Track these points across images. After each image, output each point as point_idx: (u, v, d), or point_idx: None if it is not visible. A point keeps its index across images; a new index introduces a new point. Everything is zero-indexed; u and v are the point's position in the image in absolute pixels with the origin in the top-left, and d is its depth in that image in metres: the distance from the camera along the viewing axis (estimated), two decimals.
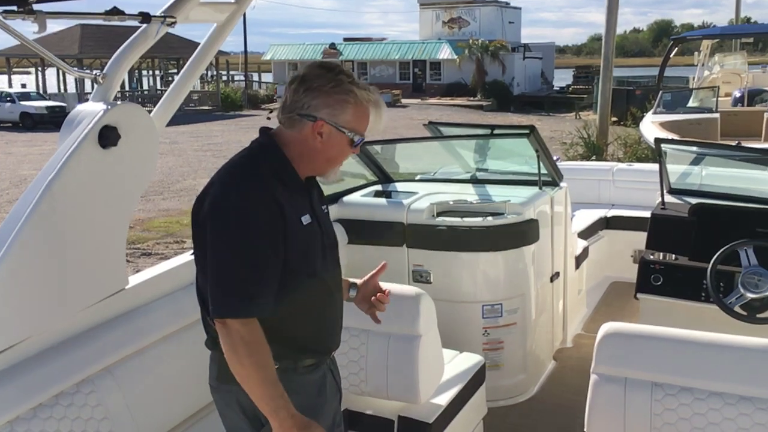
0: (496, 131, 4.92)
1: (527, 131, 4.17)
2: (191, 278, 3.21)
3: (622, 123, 20.10)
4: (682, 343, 2.58)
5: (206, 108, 38.48)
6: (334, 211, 4.22)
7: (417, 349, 2.89)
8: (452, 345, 3.46)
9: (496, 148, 5.18)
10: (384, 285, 2.48)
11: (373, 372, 2.94)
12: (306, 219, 2.07)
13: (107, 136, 2.52)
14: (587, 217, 5.93)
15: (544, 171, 4.46)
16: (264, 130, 2.14)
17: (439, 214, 4.08)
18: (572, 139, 14.95)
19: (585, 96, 33.21)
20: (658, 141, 4.23)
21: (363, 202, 4.31)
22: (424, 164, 5.27)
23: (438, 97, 42.02)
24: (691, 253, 3.75)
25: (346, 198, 4.31)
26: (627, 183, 6.45)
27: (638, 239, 3.99)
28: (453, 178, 4.91)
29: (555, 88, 46.14)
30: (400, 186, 4.63)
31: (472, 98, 39.88)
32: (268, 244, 1.95)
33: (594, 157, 13.75)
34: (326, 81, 2.01)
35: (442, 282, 4.06)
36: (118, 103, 2.62)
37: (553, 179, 4.56)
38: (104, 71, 2.72)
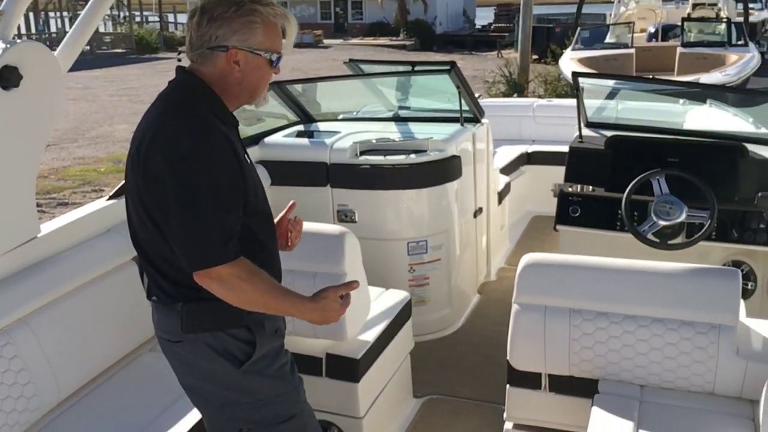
0: (417, 68, 4.88)
1: (448, 67, 4.16)
2: (107, 225, 3.12)
3: (542, 60, 20.31)
4: (597, 271, 2.68)
5: (120, 51, 36.91)
6: (255, 152, 4.15)
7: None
8: (379, 282, 3.49)
9: (417, 85, 5.16)
10: (308, 225, 2.46)
11: None
12: (247, 157, 2.03)
13: (7, 77, 2.39)
14: (509, 153, 6.02)
15: (465, 108, 4.48)
16: (181, 69, 2.02)
17: (362, 153, 4.06)
18: (494, 78, 15.03)
19: (506, 34, 33.30)
20: (576, 75, 4.29)
21: (285, 142, 4.25)
22: (347, 104, 5.20)
23: (360, 37, 41.43)
24: (607, 184, 3.85)
25: (267, 139, 4.24)
26: (547, 119, 6.56)
27: (559, 174, 4.07)
28: (375, 116, 4.88)
29: (477, 26, 46.07)
30: (322, 126, 4.57)
31: (394, 38, 39.47)
32: (230, 186, 1.89)
33: (516, 95, 13.90)
34: (227, 7, 1.92)
35: (366, 220, 4.07)
36: (18, 41, 2.47)
37: (474, 116, 4.58)
38: (1, 7, 2.55)
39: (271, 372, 2.09)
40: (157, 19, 44.73)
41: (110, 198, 3.19)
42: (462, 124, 4.47)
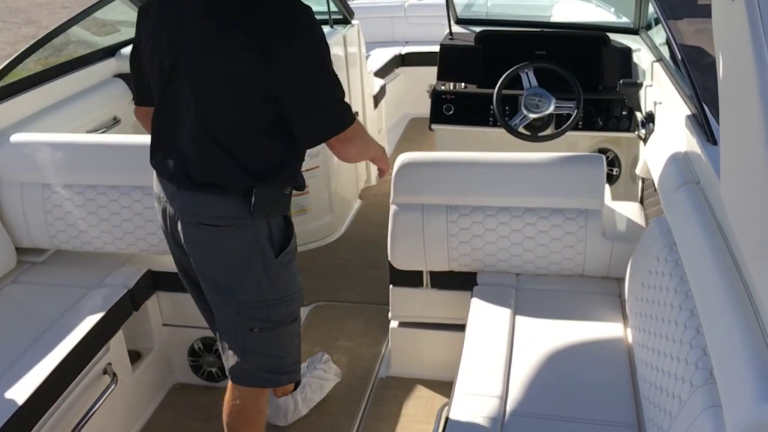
0: None
1: None
2: None
3: None
4: (470, 166, 2.70)
5: None
6: (111, 66, 3.87)
7: None
8: None
9: None
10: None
11: None
12: None
13: None
14: (382, 55, 5.93)
15: (334, 9, 4.33)
16: None
17: None
18: None
19: None
20: None
21: None
22: None
23: None
24: (479, 80, 3.86)
25: (123, 50, 3.95)
26: (420, 18, 6.47)
27: (434, 74, 4.03)
28: None
29: None
30: None
31: None
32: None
33: None
34: None
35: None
36: None
37: (344, 17, 4.44)
38: None
39: (293, 267, 2.21)
40: None
41: None
42: (332, 26, 4.33)
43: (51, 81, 3.45)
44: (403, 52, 6.15)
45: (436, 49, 4.06)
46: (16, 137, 2.91)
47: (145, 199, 2.81)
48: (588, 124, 3.66)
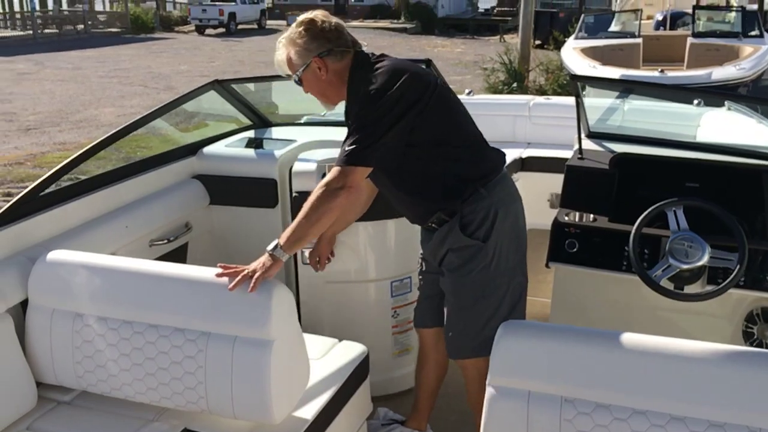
0: None
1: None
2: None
3: (545, 47, 19.55)
4: (600, 347, 2.01)
5: (114, 30, 36.12)
6: (192, 165, 3.48)
7: (268, 356, 2.25)
8: (353, 336, 2.87)
9: None
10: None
11: (214, 386, 2.30)
12: None
13: None
14: None
15: None
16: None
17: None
18: (493, 65, 14.29)
19: (509, 18, 32.51)
20: (575, 78, 3.61)
21: (226, 153, 3.54)
22: (311, 105, 4.49)
23: (361, 19, 40.53)
24: (612, 212, 3.19)
25: (206, 149, 3.54)
26: (545, 119, 5.85)
27: (556, 182, 3.42)
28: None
29: (480, 10, 45.15)
30: (278, 132, 3.87)
31: (395, 21, 38.64)
32: None
33: (515, 84, 13.19)
34: None
35: (336, 258, 3.25)
36: None
37: None
38: None
39: None
40: None
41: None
42: None
43: (119, 182, 3.08)
44: (524, 155, 5.54)
45: (560, 153, 3.45)
46: (54, 254, 2.49)
47: (186, 345, 2.30)
48: (753, 281, 2.89)
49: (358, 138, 2.39)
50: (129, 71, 21.38)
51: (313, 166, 3.21)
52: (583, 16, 13.96)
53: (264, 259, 2.31)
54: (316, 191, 2.39)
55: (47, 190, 2.74)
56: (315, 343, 2.81)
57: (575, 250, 3.15)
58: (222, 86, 3.60)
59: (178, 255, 3.30)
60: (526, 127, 5.90)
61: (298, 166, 3.27)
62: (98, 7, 41.51)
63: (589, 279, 3.19)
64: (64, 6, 39.55)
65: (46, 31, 33.87)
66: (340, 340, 2.89)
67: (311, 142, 3.62)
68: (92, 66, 22.80)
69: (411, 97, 2.43)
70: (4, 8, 37.51)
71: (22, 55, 25.23)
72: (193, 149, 3.51)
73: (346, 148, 2.39)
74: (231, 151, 3.54)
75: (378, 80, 2.43)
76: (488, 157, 2.70)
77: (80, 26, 35.17)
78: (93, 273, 2.42)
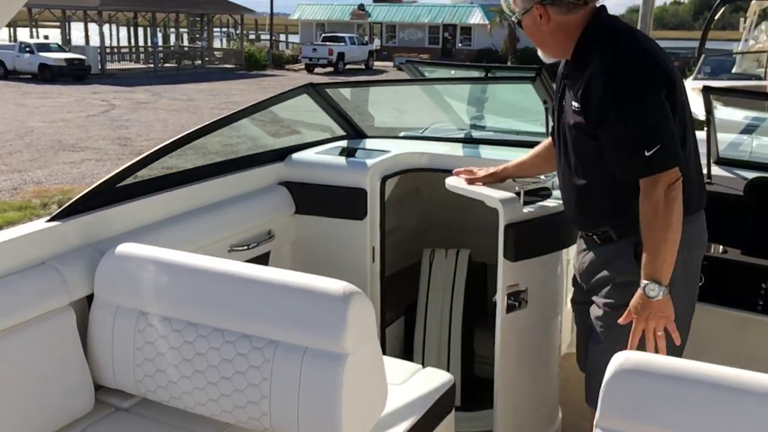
0: (492, 74, 3.89)
1: (533, 74, 3.15)
2: (41, 255, 2.32)
3: None
4: (727, 389, 1.63)
5: (229, 66, 37.70)
6: (279, 171, 3.29)
7: (341, 371, 1.98)
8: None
9: (497, 99, 4.14)
10: (302, 277, 2.09)
11: (279, 401, 2.04)
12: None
13: None
14: None
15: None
16: None
17: None
18: None
19: None
20: (708, 90, 3.23)
21: (315, 160, 3.33)
22: (409, 118, 4.27)
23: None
24: (745, 244, 2.77)
25: (295, 155, 3.35)
26: None
27: None
28: (444, 136, 3.91)
29: None
30: (372, 143, 3.64)
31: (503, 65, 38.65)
32: None
33: None
34: None
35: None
36: None
37: None
38: None
39: None
40: (268, 37, 45.51)
41: (53, 219, 2.39)
42: None
43: (201, 181, 2.92)
44: None
45: None
46: (123, 247, 2.32)
47: (252, 354, 2.06)
48: None
49: (648, 141, 2.04)
50: (239, 104, 22.02)
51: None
52: (702, 57, 13.28)
53: (653, 307, 2.08)
54: (653, 210, 2.08)
55: (124, 182, 2.60)
56: (396, 367, 2.53)
57: (702, 283, 2.74)
58: (316, 90, 3.41)
59: (259, 264, 3.11)
60: None
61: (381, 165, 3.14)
62: (216, 44, 43.42)
63: (718, 317, 2.77)
64: (185, 42, 41.59)
65: (166, 65, 35.71)
66: (425, 366, 2.59)
67: (405, 153, 3.37)
68: (205, 98, 23.74)
69: (667, 84, 2.10)
70: (129, 43, 39.87)
71: (142, 86, 26.59)
72: (281, 155, 3.32)
73: (647, 154, 2.04)
74: (320, 158, 3.33)
75: (635, 72, 2.09)
76: (698, 184, 2.28)
77: (198, 61, 36.87)
78: (161, 268, 2.23)
